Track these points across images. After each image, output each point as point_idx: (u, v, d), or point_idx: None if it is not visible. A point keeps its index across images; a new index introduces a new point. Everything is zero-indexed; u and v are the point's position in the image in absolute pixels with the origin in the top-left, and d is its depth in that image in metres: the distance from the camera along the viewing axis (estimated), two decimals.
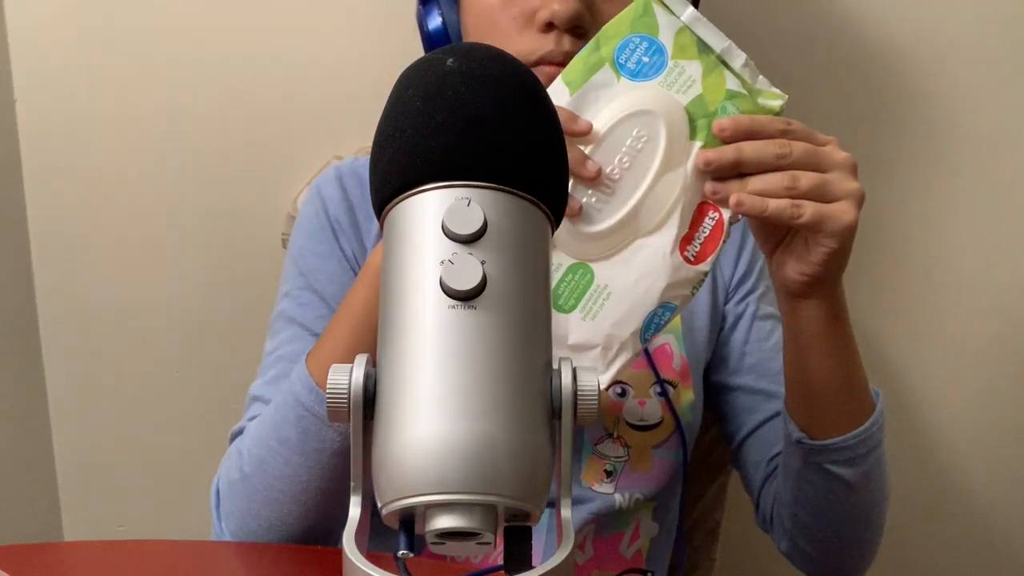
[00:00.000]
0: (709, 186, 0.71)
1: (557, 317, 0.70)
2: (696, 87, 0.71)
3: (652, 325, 0.71)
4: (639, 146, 0.70)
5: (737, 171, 0.70)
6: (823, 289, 0.75)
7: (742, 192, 0.70)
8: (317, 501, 0.78)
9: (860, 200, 0.71)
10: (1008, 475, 1.28)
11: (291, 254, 0.94)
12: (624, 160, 0.70)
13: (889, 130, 1.17)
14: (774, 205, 0.69)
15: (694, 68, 0.71)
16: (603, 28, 0.72)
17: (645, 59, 0.71)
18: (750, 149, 0.70)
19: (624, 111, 0.70)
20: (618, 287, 0.71)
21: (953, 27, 1.14)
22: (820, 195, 0.70)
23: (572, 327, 0.71)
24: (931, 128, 1.17)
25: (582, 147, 0.70)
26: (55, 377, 1.26)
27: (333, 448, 0.76)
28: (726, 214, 0.72)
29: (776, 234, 0.75)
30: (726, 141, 0.70)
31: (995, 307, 1.22)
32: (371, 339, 0.72)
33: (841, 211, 0.70)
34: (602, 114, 0.70)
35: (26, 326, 1.23)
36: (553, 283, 0.69)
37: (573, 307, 0.71)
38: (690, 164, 0.71)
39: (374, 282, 0.75)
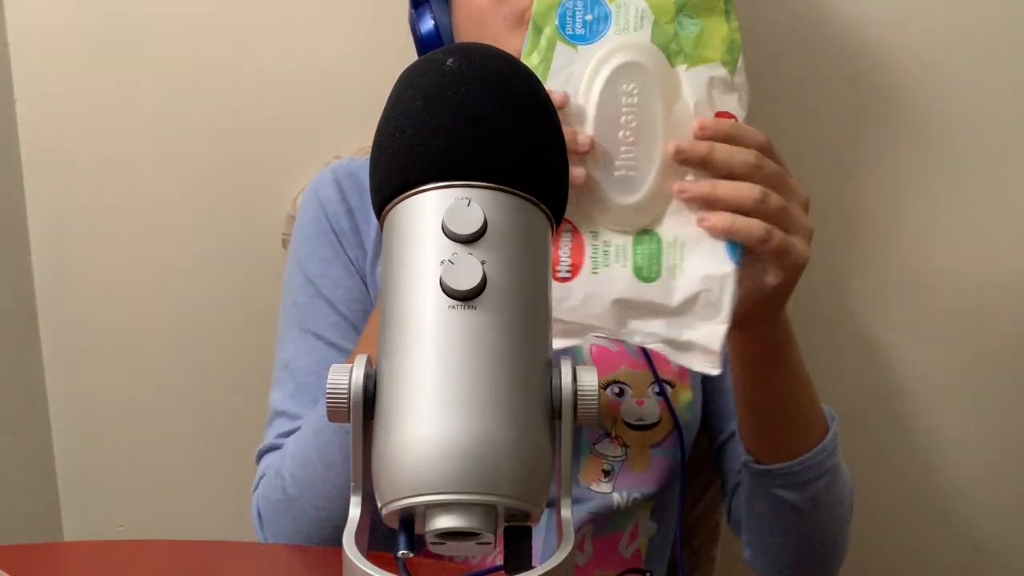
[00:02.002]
0: (676, 185, 0.69)
1: (650, 289, 0.69)
2: (647, 16, 0.69)
3: (734, 246, 0.70)
4: (634, 100, 0.69)
5: (704, 167, 0.69)
6: (765, 321, 0.75)
7: (709, 211, 0.68)
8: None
9: (811, 237, 0.71)
10: (1007, 475, 1.28)
11: (295, 260, 0.94)
12: (629, 120, 0.69)
13: (886, 128, 1.17)
14: (742, 223, 0.68)
15: None
16: (532, 8, 0.70)
17: (588, 17, 0.69)
18: (723, 151, 0.68)
19: (601, 77, 0.68)
20: (687, 235, 0.70)
21: (950, 24, 1.14)
22: (783, 222, 0.69)
23: (669, 290, 0.70)
24: (928, 126, 1.17)
25: (580, 129, 0.68)
26: (55, 377, 1.26)
27: None
28: (740, 115, 0.71)
29: None
30: (704, 139, 0.69)
31: (995, 306, 1.22)
32: None
33: (801, 246, 0.70)
34: (580, 91, 0.69)
35: (26, 326, 1.23)
36: (628, 263, 0.69)
37: (659, 272, 0.69)
38: (686, 91, 0.70)
39: None
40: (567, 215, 0.67)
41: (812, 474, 0.82)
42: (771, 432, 0.83)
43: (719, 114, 0.71)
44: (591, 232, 0.70)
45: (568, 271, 0.68)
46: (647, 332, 0.70)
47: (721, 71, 0.71)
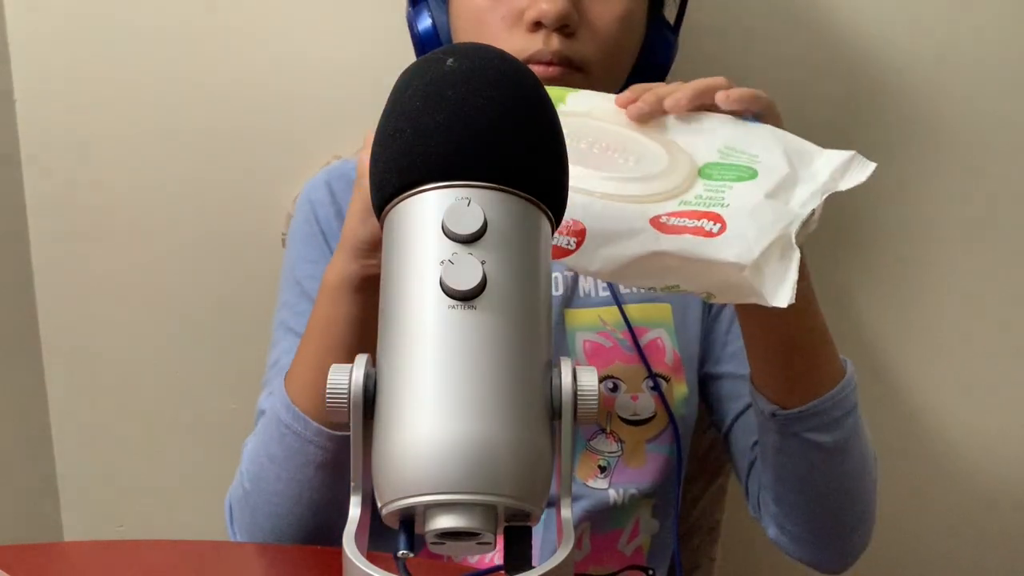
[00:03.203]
0: (666, 104, 0.72)
1: (764, 179, 0.68)
2: None
3: (748, 118, 0.73)
4: (568, 131, 0.73)
5: (660, 108, 0.72)
6: None
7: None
8: (313, 511, 0.79)
9: None
10: (1008, 475, 1.28)
11: (286, 263, 0.95)
12: (591, 142, 0.71)
13: (884, 127, 1.17)
14: (747, 90, 0.71)
15: None
16: None
17: None
18: (659, 87, 0.72)
19: None
20: (720, 139, 0.71)
21: (947, 24, 1.14)
22: None
23: (773, 168, 0.69)
24: (926, 126, 1.17)
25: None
26: (55, 377, 1.26)
27: (317, 461, 0.77)
28: None
29: None
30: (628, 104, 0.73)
31: (993, 305, 1.22)
32: (338, 351, 0.74)
33: None
34: None
35: (26, 326, 1.23)
36: (730, 183, 0.68)
37: (750, 168, 0.69)
38: (586, 107, 0.74)
39: (333, 298, 0.76)
40: (659, 212, 0.66)
41: (841, 410, 0.80)
42: (799, 368, 0.80)
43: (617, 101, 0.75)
44: (681, 203, 0.67)
45: (715, 224, 0.65)
46: (806, 199, 0.68)
47: (584, 95, 0.75)
